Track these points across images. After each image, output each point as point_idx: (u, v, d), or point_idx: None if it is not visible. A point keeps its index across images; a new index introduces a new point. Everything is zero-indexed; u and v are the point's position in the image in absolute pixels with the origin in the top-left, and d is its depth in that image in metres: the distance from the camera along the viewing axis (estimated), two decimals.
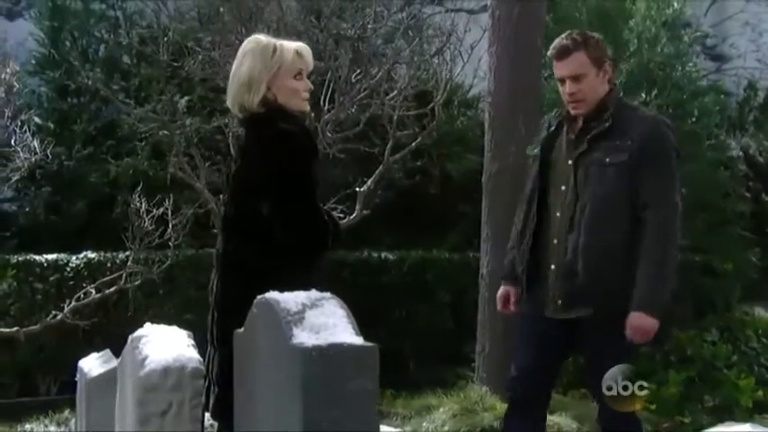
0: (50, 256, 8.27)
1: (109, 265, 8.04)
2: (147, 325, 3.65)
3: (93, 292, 6.91)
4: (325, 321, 2.07)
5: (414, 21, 7.11)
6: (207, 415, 3.46)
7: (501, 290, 3.78)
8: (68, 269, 8.16)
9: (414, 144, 6.57)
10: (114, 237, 9.00)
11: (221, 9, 6.23)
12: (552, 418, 6.48)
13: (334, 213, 6.95)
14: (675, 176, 3.42)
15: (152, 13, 10.21)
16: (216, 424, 3.40)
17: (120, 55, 10.26)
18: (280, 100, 3.23)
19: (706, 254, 8.59)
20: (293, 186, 3.14)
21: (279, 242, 3.13)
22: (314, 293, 2.21)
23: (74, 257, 8.24)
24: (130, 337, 3.58)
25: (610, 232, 3.37)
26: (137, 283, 7.10)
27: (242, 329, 2.38)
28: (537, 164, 3.58)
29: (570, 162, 3.44)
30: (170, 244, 7.21)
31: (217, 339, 3.37)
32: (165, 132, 7.85)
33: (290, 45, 3.32)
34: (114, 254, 8.17)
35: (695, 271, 8.43)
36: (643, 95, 7.96)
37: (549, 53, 3.54)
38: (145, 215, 6.98)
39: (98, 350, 7.54)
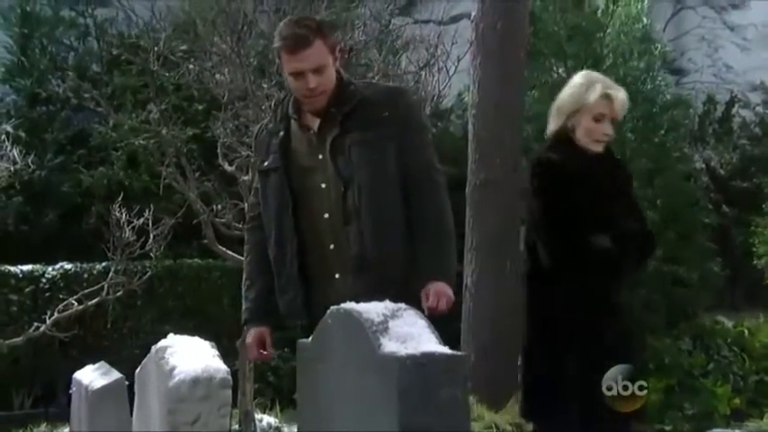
0: (25, 267, 8.14)
1: (86, 276, 7.95)
2: (171, 335, 3.62)
3: (75, 303, 6.79)
4: (409, 331, 2.09)
5: (396, 33, 7.16)
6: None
7: (252, 334, 3.14)
8: (44, 280, 8.05)
9: None
10: (86, 247, 8.91)
11: (207, 18, 6.20)
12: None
13: None
14: (432, 144, 3.15)
15: (122, 21, 10.17)
16: None
17: (89, 63, 10.16)
18: (577, 134, 3.38)
19: (676, 264, 8.77)
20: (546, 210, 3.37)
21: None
22: (390, 304, 2.24)
23: (49, 268, 8.13)
24: (154, 348, 3.54)
25: (391, 210, 2.98)
26: (118, 294, 7.00)
27: (309, 339, 2.40)
28: (277, 176, 3.07)
29: (322, 156, 3.01)
30: (151, 255, 7.14)
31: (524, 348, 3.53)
32: (142, 142, 7.82)
33: (600, 88, 3.40)
34: (91, 265, 8.08)
35: (667, 280, 8.60)
36: None
37: (279, 44, 3.00)
38: (126, 226, 6.90)
39: (75, 363, 7.46)
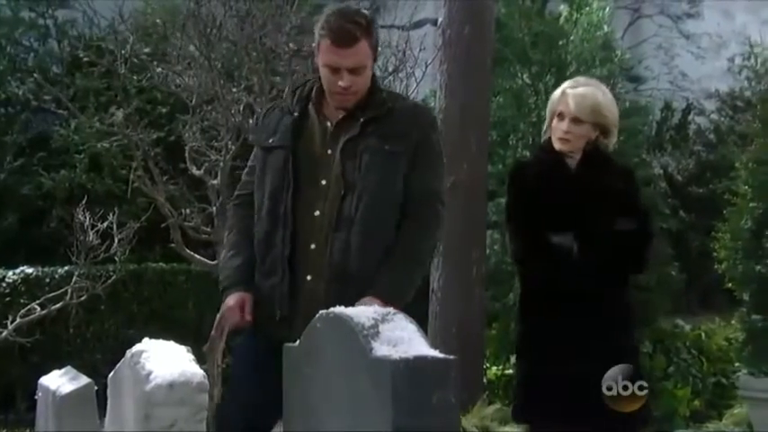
0: None
1: (48, 280, 7.85)
2: (146, 340, 3.61)
3: (38, 308, 6.72)
4: (400, 335, 2.12)
5: None
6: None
7: (234, 298, 2.97)
8: (4, 285, 7.93)
9: None
10: (46, 251, 8.81)
11: (176, 21, 6.19)
12: (505, 429, 6.64)
13: None
14: (444, 175, 3.15)
15: (84, 23, 10.08)
16: None
17: (50, 64, 10.06)
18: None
19: None
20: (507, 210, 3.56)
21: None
22: (379, 309, 2.26)
23: (10, 272, 8.01)
24: (129, 353, 3.52)
25: (386, 229, 2.89)
26: (82, 298, 6.93)
27: (296, 343, 2.41)
28: (282, 155, 2.92)
29: (330, 151, 2.90)
30: (115, 258, 7.09)
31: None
32: (105, 145, 7.75)
33: (564, 86, 3.48)
34: (53, 269, 7.99)
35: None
36: None
37: (323, 33, 2.85)
38: (90, 229, 6.84)
39: (35, 368, 7.34)
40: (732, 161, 8.60)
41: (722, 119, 14.60)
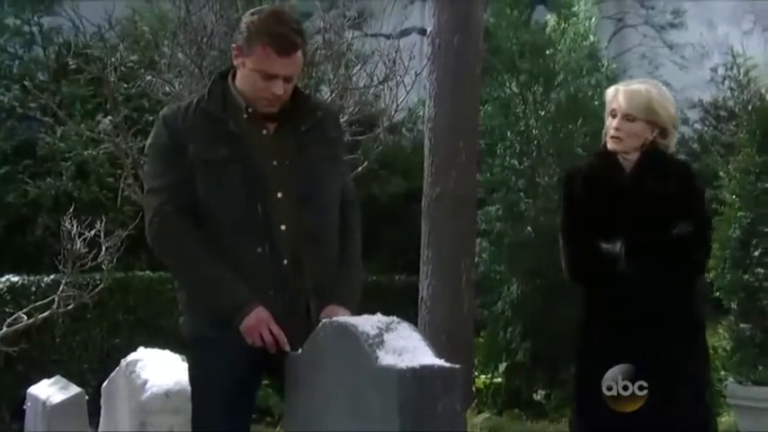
0: None
1: (33, 288, 7.80)
2: (141, 349, 3.61)
3: (25, 317, 6.68)
4: (404, 344, 2.13)
5: (351, 46, 7.22)
6: None
7: (263, 313, 2.68)
8: None
9: (360, 168, 6.67)
10: (31, 259, 8.76)
11: (167, 29, 6.18)
12: None
13: None
14: None
15: (69, 30, 10.03)
16: None
17: (35, 71, 10.01)
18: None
19: None
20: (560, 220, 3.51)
21: None
22: (382, 318, 2.26)
23: None
24: (124, 362, 3.54)
25: (336, 238, 2.88)
26: (69, 307, 6.90)
27: (299, 351, 2.40)
28: (237, 168, 2.76)
29: (276, 162, 2.80)
30: (102, 267, 7.06)
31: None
32: (92, 152, 7.73)
33: (619, 85, 3.47)
34: (38, 277, 7.94)
35: None
36: (570, 126, 8.26)
37: (263, 38, 2.71)
38: (77, 237, 6.81)
39: (20, 378, 7.28)
40: (716, 170, 8.63)
41: (706, 128, 14.69)
